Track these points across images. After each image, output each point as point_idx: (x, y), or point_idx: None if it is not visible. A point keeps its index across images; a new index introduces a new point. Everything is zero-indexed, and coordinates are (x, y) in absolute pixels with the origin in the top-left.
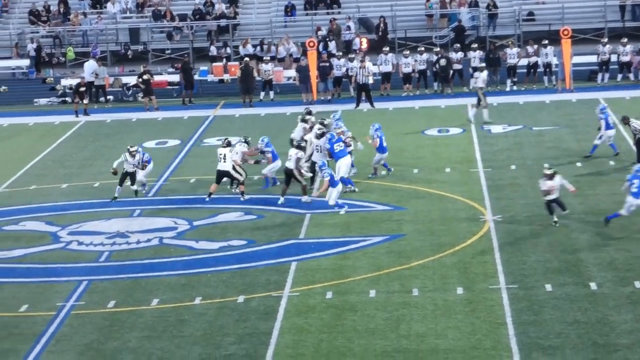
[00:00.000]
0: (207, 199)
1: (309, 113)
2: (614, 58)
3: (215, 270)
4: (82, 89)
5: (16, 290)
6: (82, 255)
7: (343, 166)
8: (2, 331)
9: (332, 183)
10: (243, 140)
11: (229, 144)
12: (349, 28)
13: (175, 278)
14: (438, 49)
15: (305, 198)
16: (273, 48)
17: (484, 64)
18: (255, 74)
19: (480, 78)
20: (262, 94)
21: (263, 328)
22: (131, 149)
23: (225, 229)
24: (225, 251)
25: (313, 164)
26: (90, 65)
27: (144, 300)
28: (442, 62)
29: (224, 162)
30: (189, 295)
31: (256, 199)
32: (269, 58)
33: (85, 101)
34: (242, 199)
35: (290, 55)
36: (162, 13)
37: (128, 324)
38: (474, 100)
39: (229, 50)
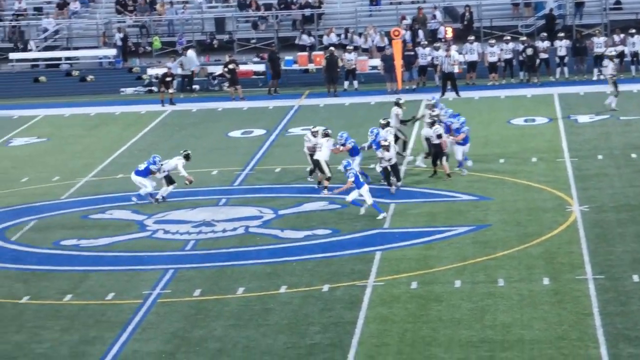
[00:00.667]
0: (318, 187)
1: (399, 104)
2: None
3: (300, 259)
4: (168, 78)
5: (103, 279)
6: (168, 243)
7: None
8: (89, 319)
9: (357, 184)
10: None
11: (327, 135)
12: (434, 17)
13: (261, 267)
14: (524, 38)
15: (325, 190)
16: (356, 37)
17: (614, 52)
18: (340, 63)
19: (610, 66)
20: (346, 83)
21: (348, 317)
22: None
23: (310, 218)
24: (310, 240)
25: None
26: (191, 55)
27: (230, 288)
28: (529, 51)
29: (319, 151)
30: (274, 283)
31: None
32: (352, 47)
33: (171, 90)
34: (324, 193)
35: (375, 44)
36: (248, 2)
37: (214, 312)
38: (602, 88)
39: (313, 39)
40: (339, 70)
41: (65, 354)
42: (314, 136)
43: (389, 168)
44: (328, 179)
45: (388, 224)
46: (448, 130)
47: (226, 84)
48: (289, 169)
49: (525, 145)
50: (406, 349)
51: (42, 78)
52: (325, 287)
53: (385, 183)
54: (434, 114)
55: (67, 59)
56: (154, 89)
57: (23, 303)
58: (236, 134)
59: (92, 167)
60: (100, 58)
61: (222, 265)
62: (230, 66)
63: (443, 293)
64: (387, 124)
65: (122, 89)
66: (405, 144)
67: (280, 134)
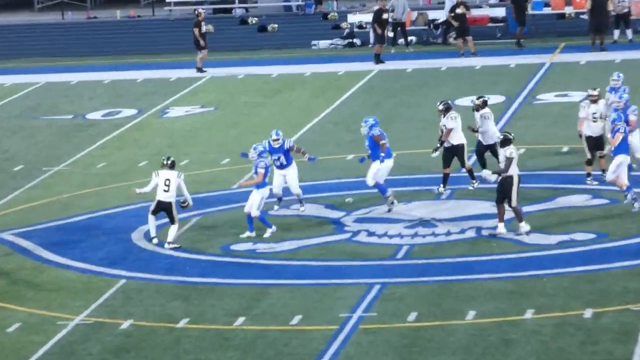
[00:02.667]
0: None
1: None
2: None
3: (552, 273)
4: (385, 15)
5: (287, 296)
6: (374, 249)
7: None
8: (269, 349)
9: None
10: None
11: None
12: None
13: (499, 283)
14: None
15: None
16: None
17: None
18: (610, 7)
19: None
20: (616, 32)
21: (619, 353)
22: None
23: (566, 216)
24: (567, 247)
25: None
26: None
27: (457, 312)
28: None
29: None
30: (517, 306)
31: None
32: None
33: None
34: (588, 182)
35: None
36: None
37: (434, 343)
38: None
39: None
40: (609, 15)
41: None
42: (593, 102)
43: None
44: (589, 162)
45: None
46: None
47: (453, 34)
48: (537, 149)
49: None
50: None
51: (209, 27)
52: (588, 312)
53: None
54: None
55: (242, 1)
56: (356, 41)
57: (180, 328)
58: (464, 101)
59: None
60: (288, 1)
61: (446, 279)
62: (459, 10)
63: None
64: None
65: (314, 42)
66: None
67: (526, 102)
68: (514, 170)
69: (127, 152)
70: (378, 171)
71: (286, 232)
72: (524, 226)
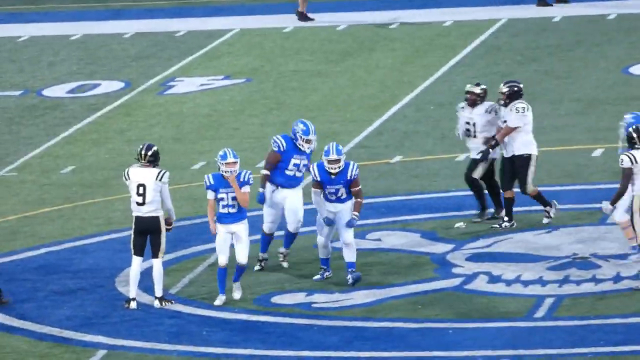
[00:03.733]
0: None
1: None
2: None
3: None
4: None
5: None
6: (500, 303)
7: None
8: None
9: None
10: None
11: None
12: None
13: None
14: None
15: None
16: None
17: None
18: None
19: None
20: None
21: None
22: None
23: None
24: None
25: None
26: None
27: None
28: None
29: None
30: None
31: None
32: None
33: None
34: None
35: None
36: None
37: None
38: None
39: None
40: None
41: None
42: None
43: None
44: None
45: None
46: None
47: None
48: None
49: None
50: None
51: None
52: None
53: None
54: None
55: None
56: None
57: None
58: None
59: (353, 133)
60: None
61: (615, 352)
62: None
63: None
64: None
65: None
66: None
67: None
68: None
69: (109, 148)
70: None
71: (362, 274)
72: None
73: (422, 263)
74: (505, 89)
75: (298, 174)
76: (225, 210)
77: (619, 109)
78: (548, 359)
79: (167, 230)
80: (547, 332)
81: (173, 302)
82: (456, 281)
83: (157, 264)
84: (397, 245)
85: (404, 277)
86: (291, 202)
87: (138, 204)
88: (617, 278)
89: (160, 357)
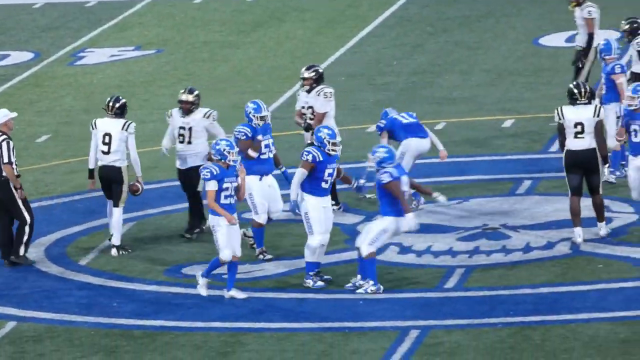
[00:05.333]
0: None
1: None
2: None
3: None
4: None
5: (272, 349)
6: (410, 275)
7: None
8: None
9: None
10: None
11: None
12: None
13: (607, 327)
14: None
15: None
16: None
17: None
18: None
19: None
20: None
21: None
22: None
23: None
24: None
25: None
26: None
27: None
28: None
29: None
30: None
31: None
32: None
33: None
34: None
35: None
36: None
37: None
38: None
39: None
40: None
41: None
42: None
43: None
44: None
45: None
46: None
47: None
48: None
49: None
50: None
51: None
52: None
53: None
54: None
55: None
56: None
57: None
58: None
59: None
60: None
61: (523, 322)
62: None
63: None
64: None
65: None
66: None
67: None
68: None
69: (19, 119)
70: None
71: (271, 247)
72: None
73: (333, 234)
74: (309, 74)
75: (270, 155)
76: (227, 201)
77: (529, 79)
78: (458, 329)
79: (134, 193)
80: (457, 303)
81: (129, 250)
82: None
83: (116, 213)
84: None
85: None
86: (275, 188)
87: (103, 152)
88: (527, 249)
89: (70, 328)
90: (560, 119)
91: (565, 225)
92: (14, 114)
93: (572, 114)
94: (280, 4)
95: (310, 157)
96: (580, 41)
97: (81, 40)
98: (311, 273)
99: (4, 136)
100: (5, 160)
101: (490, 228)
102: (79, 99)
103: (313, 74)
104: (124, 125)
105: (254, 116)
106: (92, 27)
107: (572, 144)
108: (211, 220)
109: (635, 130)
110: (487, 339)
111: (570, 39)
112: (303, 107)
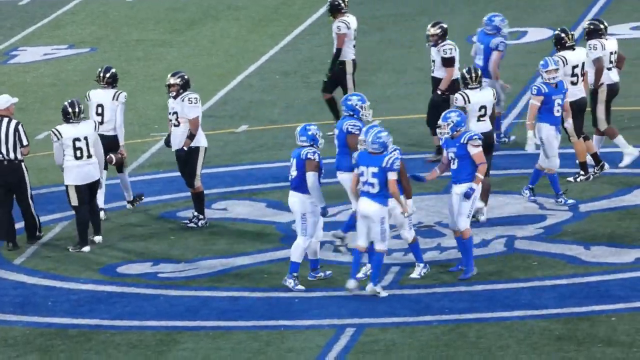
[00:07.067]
0: None
1: None
2: None
3: (627, 308)
4: None
5: (207, 347)
6: (345, 272)
7: None
8: None
9: None
10: None
11: None
12: None
13: (542, 324)
14: None
15: None
16: None
17: None
18: None
19: None
20: None
21: None
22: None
23: None
24: None
25: None
26: None
27: None
28: None
29: None
30: None
31: None
32: None
33: None
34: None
35: None
36: None
37: None
38: None
39: None
40: None
41: None
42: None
43: None
44: None
45: None
46: None
47: None
48: None
49: None
50: None
51: None
52: None
53: None
54: None
55: None
56: None
57: None
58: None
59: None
60: None
61: (458, 320)
62: None
63: None
64: None
65: None
66: None
67: None
68: None
69: None
70: None
71: (206, 245)
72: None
73: (268, 232)
74: (175, 80)
75: None
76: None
77: None
78: (394, 327)
79: (112, 163)
80: (392, 301)
81: (143, 197)
82: None
83: (123, 176)
84: (243, 215)
85: (250, 247)
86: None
87: (100, 123)
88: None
89: (5, 328)
90: (466, 103)
91: (500, 223)
92: (16, 99)
93: (476, 97)
94: (215, 2)
95: (317, 157)
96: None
97: (14, 39)
98: (295, 274)
99: (14, 120)
100: (25, 142)
101: (425, 226)
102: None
103: (179, 80)
104: (114, 95)
105: (361, 107)
106: (26, 26)
107: (476, 127)
108: (382, 212)
109: (452, 158)
110: (423, 336)
111: None
112: (169, 113)
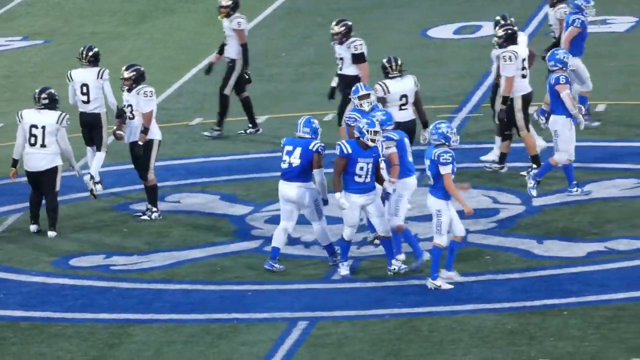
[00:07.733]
0: None
1: None
2: None
3: (578, 302)
4: None
5: (159, 341)
6: (297, 265)
7: None
8: None
9: None
10: None
11: None
12: None
13: (493, 318)
14: None
15: None
16: None
17: None
18: None
19: None
20: None
21: None
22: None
23: (601, 214)
24: (602, 263)
25: None
26: None
27: None
28: None
29: None
30: (521, 356)
31: None
32: None
33: None
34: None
35: None
36: None
37: None
38: None
39: None
40: None
41: None
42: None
43: None
44: None
45: None
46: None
47: None
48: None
49: None
50: None
51: None
52: None
53: None
54: None
55: None
56: None
57: None
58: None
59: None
60: None
61: (410, 313)
62: None
63: None
64: None
65: None
66: None
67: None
68: None
69: None
70: None
71: (159, 238)
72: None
73: (221, 225)
74: (129, 74)
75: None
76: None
77: (417, 71)
78: (346, 321)
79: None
80: (345, 294)
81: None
82: (255, 243)
83: (99, 155)
84: (196, 207)
85: (203, 239)
86: None
87: (83, 102)
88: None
89: None
90: (385, 93)
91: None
92: None
93: (396, 86)
94: None
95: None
96: (231, 53)
97: None
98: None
99: None
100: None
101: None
102: None
103: (133, 73)
104: (98, 73)
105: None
106: None
107: (398, 115)
108: (437, 204)
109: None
110: (375, 330)
111: (457, 32)
112: (124, 106)
